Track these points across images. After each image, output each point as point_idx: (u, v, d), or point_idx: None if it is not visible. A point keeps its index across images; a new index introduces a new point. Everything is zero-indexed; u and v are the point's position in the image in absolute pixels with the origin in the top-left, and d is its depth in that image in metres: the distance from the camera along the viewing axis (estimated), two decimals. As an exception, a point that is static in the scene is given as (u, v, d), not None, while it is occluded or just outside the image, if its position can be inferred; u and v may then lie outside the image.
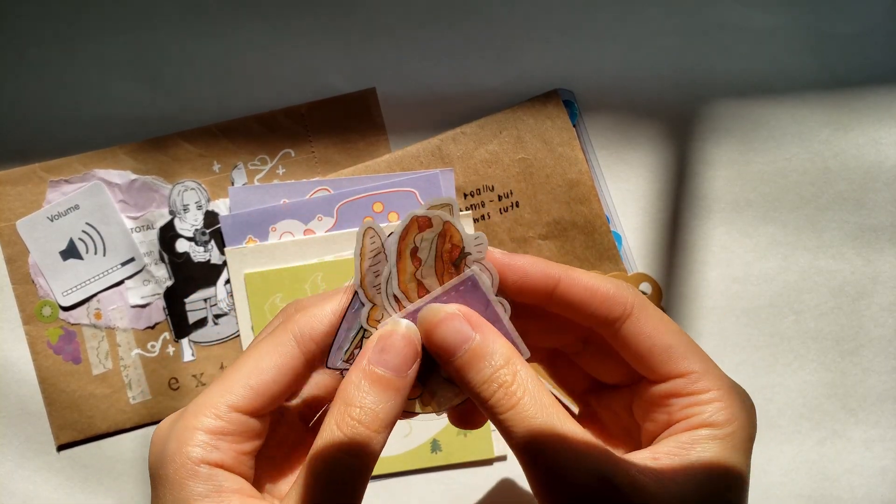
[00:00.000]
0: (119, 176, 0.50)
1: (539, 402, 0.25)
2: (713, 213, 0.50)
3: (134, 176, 0.50)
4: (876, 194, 0.50)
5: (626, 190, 0.50)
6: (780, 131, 0.50)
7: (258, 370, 0.26)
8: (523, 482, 0.49)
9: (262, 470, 0.29)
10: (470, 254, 0.27)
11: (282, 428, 0.30)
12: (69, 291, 0.49)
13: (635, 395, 0.29)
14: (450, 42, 0.50)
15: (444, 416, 0.30)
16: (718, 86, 0.50)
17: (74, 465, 0.50)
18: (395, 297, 0.27)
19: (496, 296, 0.27)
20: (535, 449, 0.24)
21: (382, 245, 0.27)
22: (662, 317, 0.28)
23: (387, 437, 0.26)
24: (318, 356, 0.27)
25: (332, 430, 0.25)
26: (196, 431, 0.26)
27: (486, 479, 0.50)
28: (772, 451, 0.50)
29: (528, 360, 0.28)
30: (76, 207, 0.49)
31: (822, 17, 0.50)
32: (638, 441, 0.30)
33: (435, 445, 0.49)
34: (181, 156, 0.50)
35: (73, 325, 0.50)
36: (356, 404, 0.25)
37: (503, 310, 0.27)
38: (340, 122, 0.50)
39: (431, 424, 0.49)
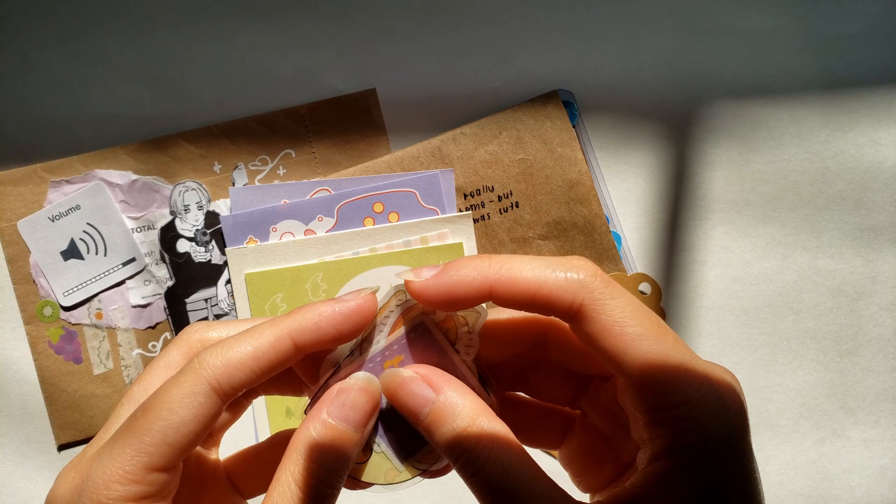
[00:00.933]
0: (120, 176, 0.50)
1: (504, 463, 0.23)
2: (712, 213, 0.50)
3: (135, 176, 0.50)
4: (875, 194, 0.50)
5: (626, 190, 0.50)
6: (780, 131, 0.50)
7: (175, 427, 0.23)
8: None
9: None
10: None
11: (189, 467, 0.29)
12: (70, 291, 0.50)
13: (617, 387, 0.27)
14: (450, 42, 0.50)
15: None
16: (718, 86, 0.50)
17: (75, 464, 0.50)
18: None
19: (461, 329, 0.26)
20: None
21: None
22: (625, 307, 0.24)
23: (337, 495, 0.25)
24: (240, 402, 0.26)
25: (288, 486, 0.24)
26: (111, 501, 0.23)
27: (486, 478, 0.50)
28: (771, 451, 0.50)
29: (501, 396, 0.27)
30: (77, 208, 0.50)
31: (822, 17, 0.50)
32: (634, 435, 0.28)
33: (435, 445, 0.49)
34: (182, 156, 0.50)
35: (74, 325, 0.50)
36: (314, 460, 0.24)
37: (460, 356, 0.26)
38: (341, 123, 0.50)
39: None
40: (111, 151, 0.50)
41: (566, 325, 0.26)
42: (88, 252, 0.50)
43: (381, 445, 0.27)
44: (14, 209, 0.50)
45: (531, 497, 0.23)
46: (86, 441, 0.50)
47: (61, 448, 0.50)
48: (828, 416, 0.50)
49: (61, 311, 0.50)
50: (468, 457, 0.24)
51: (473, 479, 0.24)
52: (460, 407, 0.24)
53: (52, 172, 0.50)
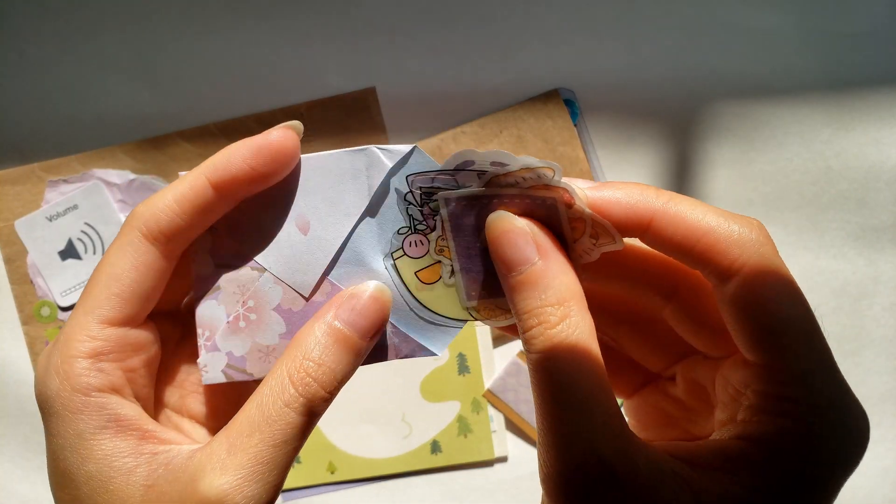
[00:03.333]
0: (118, 175, 0.49)
1: (573, 354, 0.22)
2: (714, 212, 0.50)
3: (133, 175, 0.49)
4: (877, 194, 0.49)
5: (627, 190, 0.50)
6: (782, 131, 0.50)
7: (115, 276, 0.24)
8: (523, 483, 0.49)
9: (160, 379, 0.27)
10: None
11: (171, 333, 0.28)
12: (68, 291, 0.49)
13: (723, 366, 0.25)
14: (450, 41, 0.50)
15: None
16: (720, 85, 0.50)
17: (73, 465, 0.50)
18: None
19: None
20: (551, 398, 0.22)
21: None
22: (785, 287, 0.22)
23: (330, 403, 0.24)
24: (172, 247, 0.25)
25: (282, 383, 0.23)
26: (75, 359, 0.24)
27: (486, 480, 0.50)
28: (773, 452, 0.50)
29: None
30: (75, 207, 0.49)
31: (824, 17, 0.49)
32: (721, 415, 0.25)
33: (435, 447, 0.49)
34: (180, 155, 0.50)
35: (71, 325, 0.49)
36: (315, 360, 0.24)
37: (572, 255, 0.24)
38: (340, 122, 0.50)
39: (431, 426, 0.49)
40: (109, 151, 0.50)
41: (706, 285, 0.24)
42: (86, 252, 0.49)
43: (457, 277, 0.25)
44: (12, 209, 0.49)
45: (588, 404, 0.21)
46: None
47: (59, 449, 0.50)
48: (830, 416, 0.49)
49: (59, 312, 0.49)
50: (541, 331, 0.22)
51: (539, 357, 0.22)
52: (558, 281, 0.23)
53: (49, 172, 0.50)
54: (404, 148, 0.25)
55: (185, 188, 0.24)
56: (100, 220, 0.49)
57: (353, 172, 0.25)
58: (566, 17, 0.50)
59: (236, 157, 0.24)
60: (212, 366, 0.26)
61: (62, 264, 0.49)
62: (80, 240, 0.49)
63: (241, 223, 0.26)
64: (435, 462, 0.49)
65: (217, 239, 0.26)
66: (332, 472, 0.49)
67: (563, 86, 0.50)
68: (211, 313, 0.26)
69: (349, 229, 0.25)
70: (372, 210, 0.25)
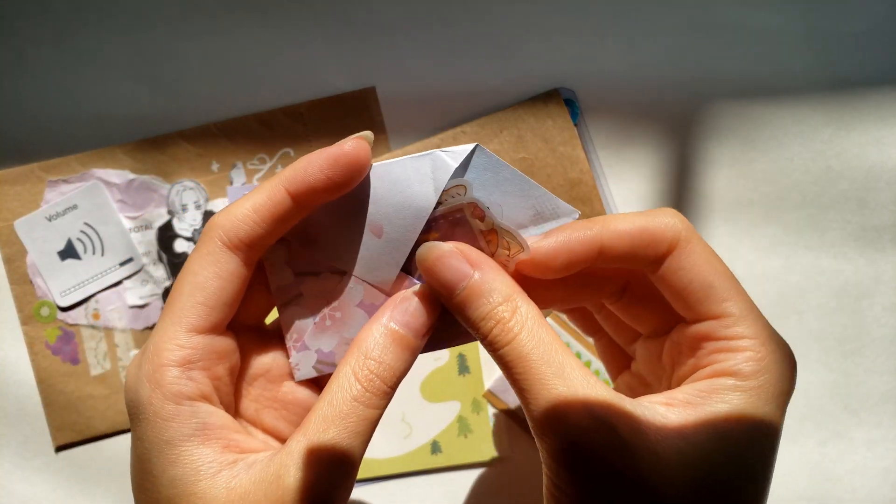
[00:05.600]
0: (117, 175, 0.49)
1: (536, 337, 0.24)
2: (715, 212, 0.50)
3: (132, 175, 0.49)
4: (878, 194, 0.49)
5: (628, 189, 0.50)
6: (783, 130, 0.50)
7: (199, 285, 0.25)
8: (523, 483, 0.49)
9: (237, 395, 0.29)
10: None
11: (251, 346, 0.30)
12: (67, 292, 0.49)
13: (669, 338, 0.28)
14: (450, 41, 0.50)
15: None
16: (720, 85, 0.50)
17: (73, 466, 0.50)
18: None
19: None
20: (531, 381, 0.24)
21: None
22: (709, 254, 0.26)
23: (392, 397, 0.26)
24: (251, 255, 0.26)
25: (349, 381, 0.25)
26: (166, 368, 0.25)
27: (486, 480, 0.50)
28: (774, 452, 0.49)
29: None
30: (74, 207, 0.49)
31: (825, 15, 0.49)
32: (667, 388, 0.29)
33: (435, 447, 0.49)
34: (180, 155, 0.50)
35: (71, 325, 0.49)
36: (376, 358, 0.25)
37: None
38: (340, 121, 0.50)
39: (432, 426, 0.49)
40: (109, 150, 0.50)
41: (645, 277, 0.28)
42: (86, 252, 0.49)
43: None
44: (11, 209, 0.49)
45: (557, 374, 0.24)
46: (84, 442, 0.50)
47: (59, 449, 0.50)
48: (831, 417, 0.49)
49: (58, 312, 0.49)
50: (500, 329, 0.24)
51: (502, 351, 0.24)
52: (498, 283, 0.25)
53: (49, 172, 0.50)
54: (467, 148, 0.26)
55: (263, 198, 0.26)
56: (99, 220, 0.49)
57: (419, 177, 0.27)
58: (566, 17, 0.50)
59: (314, 167, 0.25)
60: (303, 363, 0.28)
61: (62, 264, 0.49)
62: (79, 240, 0.49)
63: (316, 234, 0.27)
64: (435, 462, 0.49)
65: (293, 251, 0.28)
66: (332, 473, 0.49)
67: (563, 86, 0.50)
68: (297, 318, 0.28)
69: (420, 229, 0.27)
70: None
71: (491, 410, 0.49)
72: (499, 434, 0.49)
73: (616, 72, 0.50)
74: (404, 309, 0.26)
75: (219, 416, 0.26)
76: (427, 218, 0.27)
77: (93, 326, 0.50)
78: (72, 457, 0.50)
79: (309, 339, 0.28)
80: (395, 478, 0.49)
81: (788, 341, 0.26)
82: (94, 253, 0.49)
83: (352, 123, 0.50)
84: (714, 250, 0.27)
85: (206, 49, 0.50)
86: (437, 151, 0.26)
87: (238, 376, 0.29)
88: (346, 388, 0.25)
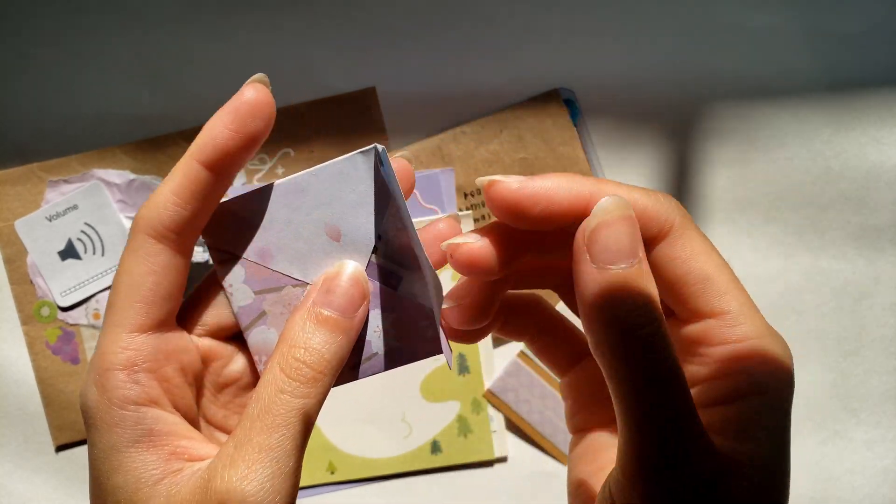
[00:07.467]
0: (118, 175, 0.49)
1: (668, 378, 0.21)
2: (715, 212, 0.50)
3: (132, 175, 0.49)
4: (878, 194, 0.49)
5: (627, 189, 0.50)
6: (782, 131, 0.50)
7: (134, 284, 0.24)
8: (523, 483, 0.49)
9: (207, 399, 0.27)
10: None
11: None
12: (68, 292, 0.49)
13: None
14: (450, 42, 0.50)
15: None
16: (720, 85, 0.50)
17: (73, 465, 0.50)
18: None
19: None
20: (652, 407, 0.21)
21: None
22: (706, 243, 0.24)
23: (332, 383, 0.24)
24: (182, 242, 0.25)
25: (273, 373, 0.24)
26: (110, 372, 0.24)
27: (486, 480, 0.50)
28: (773, 452, 0.50)
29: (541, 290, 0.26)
30: (75, 207, 0.49)
31: (825, 16, 0.49)
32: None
33: (435, 447, 0.49)
34: (180, 155, 0.49)
35: (71, 325, 0.49)
36: (300, 345, 0.24)
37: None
38: (340, 122, 0.50)
39: (432, 426, 0.49)
40: (109, 151, 0.50)
41: None
42: (86, 252, 0.49)
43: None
44: (12, 209, 0.49)
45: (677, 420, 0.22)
46: (84, 442, 0.50)
47: (59, 449, 0.50)
48: (830, 416, 0.49)
49: (59, 312, 0.49)
50: (641, 351, 0.21)
51: (641, 386, 0.22)
52: (652, 286, 0.22)
53: (49, 172, 0.50)
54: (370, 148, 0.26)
55: (179, 178, 0.24)
56: (100, 221, 0.49)
57: (357, 175, 0.26)
58: (566, 17, 0.50)
59: (217, 128, 0.24)
60: None
61: (62, 264, 0.49)
62: (79, 240, 0.49)
63: (270, 249, 0.26)
64: (435, 462, 0.49)
65: (250, 269, 0.26)
66: (332, 473, 0.49)
67: (563, 86, 0.50)
68: (263, 338, 0.27)
69: (374, 226, 0.26)
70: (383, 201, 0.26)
71: (491, 410, 0.49)
72: (499, 434, 0.49)
73: (616, 72, 0.50)
74: (327, 289, 0.25)
75: (167, 421, 0.24)
76: (378, 213, 0.26)
77: (93, 326, 0.50)
78: (72, 456, 0.50)
79: None
80: (395, 477, 0.49)
81: (788, 341, 0.25)
82: (94, 253, 0.49)
83: (352, 123, 0.50)
84: (711, 242, 0.25)
85: (206, 49, 0.50)
86: (355, 153, 0.26)
87: (206, 382, 0.28)
88: (270, 381, 0.24)
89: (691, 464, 0.21)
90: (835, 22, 0.49)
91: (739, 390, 0.23)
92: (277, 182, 0.26)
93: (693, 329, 0.24)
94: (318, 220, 0.26)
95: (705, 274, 0.24)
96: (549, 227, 0.24)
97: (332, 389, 0.26)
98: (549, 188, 0.23)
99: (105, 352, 0.24)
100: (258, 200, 0.26)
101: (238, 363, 0.28)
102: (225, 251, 0.26)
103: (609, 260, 0.22)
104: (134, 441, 0.24)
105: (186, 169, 0.24)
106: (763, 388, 0.23)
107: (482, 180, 0.24)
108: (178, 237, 0.25)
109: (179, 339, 0.26)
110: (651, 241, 0.24)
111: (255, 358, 0.27)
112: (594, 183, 0.23)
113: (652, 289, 0.22)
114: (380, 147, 0.26)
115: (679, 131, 0.50)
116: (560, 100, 0.49)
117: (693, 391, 0.24)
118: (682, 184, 0.50)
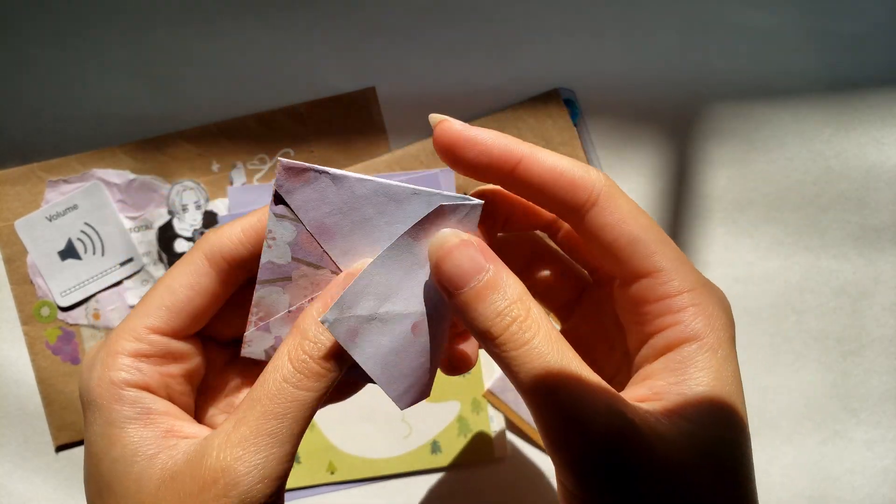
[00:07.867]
0: (118, 175, 0.49)
1: (552, 340, 0.23)
2: (715, 212, 0.50)
3: (132, 175, 0.49)
4: (878, 194, 0.49)
5: (628, 189, 0.50)
6: (782, 131, 0.50)
7: (171, 291, 0.26)
8: (523, 483, 0.49)
9: (205, 397, 0.29)
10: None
11: (218, 357, 0.30)
12: (68, 292, 0.49)
13: (615, 300, 0.28)
14: (450, 41, 0.50)
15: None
16: (720, 85, 0.50)
17: (73, 466, 0.50)
18: None
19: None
20: (547, 389, 0.23)
21: None
22: (633, 208, 0.26)
23: (337, 377, 0.25)
24: (232, 274, 0.27)
25: (282, 361, 0.25)
26: (118, 356, 0.26)
27: (486, 480, 0.50)
28: (773, 452, 0.49)
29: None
30: (75, 207, 0.49)
31: (825, 16, 0.49)
32: (622, 351, 0.28)
33: (435, 447, 0.49)
34: (180, 155, 0.50)
35: (71, 325, 0.49)
36: (311, 339, 0.25)
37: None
38: (340, 122, 0.50)
39: (432, 426, 0.49)
40: (109, 151, 0.50)
41: (565, 226, 0.28)
42: (86, 252, 0.49)
43: None
44: (12, 209, 0.49)
45: (581, 376, 0.23)
46: (83, 442, 0.50)
47: (59, 449, 0.50)
48: (830, 416, 0.49)
49: (59, 312, 0.49)
50: (518, 328, 0.23)
51: (522, 349, 0.23)
52: (511, 280, 0.24)
53: (49, 172, 0.50)
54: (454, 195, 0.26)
55: (253, 220, 0.27)
56: (100, 221, 0.49)
57: (456, 220, 0.26)
58: (566, 17, 0.50)
59: None
60: (256, 343, 0.28)
61: (62, 264, 0.49)
62: (79, 240, 0.49)
63: (333, 231, 0.27)
64: (435, 462, 0.49)
65: (302, 235, 0.27)
66: (332, 473, 0.49)
67: (563, 86, 0.50)
68: (272, 298, 0.27)
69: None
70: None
71: (491, 410, 0.49)
72: (499, 434, 0.49)
73: (616, 72, 0.50)
74: (345, 285, 0.25)
75: (162, 403, 0.26)
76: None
77: (93, 326, 0.50)
78: (72, 457, 0.50)
79: (275, 324, 0.27)
80: (395, 477, 0.49)
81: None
82: (94, 253, 0.49)
83: (352, 123, 0.50)
84: (639, 205, 0.26)
85: (206, 49, 0.50)
86: (426, 190, 0.26)
87: (208, 384, 0.29)
88: (277, 368, 0.25)
89: (595, 425, 0.22)
90: (835, 22, 0.49)
91: (677, 340, 0.25)
92: (379, 179, 0.26)
93: (633, 290, 0.26)
94: (393, 235, 0.26)
95: (634, 236, 0.25)
96: (482, 174, 0.26)
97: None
98: (486, 138, 0.25)
99: (118, 338, 0.26)
100: (350, 185, 0.26)
101: (239, 377, 0.30)
102: (288, 206, 0.27)
103: (458, 286, 0.24)
104: (132, 417, 0.25)
105: (262, 215, 0.27)
106: (698, 335, 0.25)
107: (434, 117, 0.26)
108: (230, 269, 0.27)
109: (190, 347, 0.27)
110: (580, 208, 0.25)
111: (253, 309, 0.27)
112: (528, 146, 0.25)
113: (511, 287, 0.24)
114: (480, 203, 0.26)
115: (679, 131, 0.50)
116: (560, 100, 0.49)
117: (641, 349, 0.26)
118: (682, 184, 0.50)
